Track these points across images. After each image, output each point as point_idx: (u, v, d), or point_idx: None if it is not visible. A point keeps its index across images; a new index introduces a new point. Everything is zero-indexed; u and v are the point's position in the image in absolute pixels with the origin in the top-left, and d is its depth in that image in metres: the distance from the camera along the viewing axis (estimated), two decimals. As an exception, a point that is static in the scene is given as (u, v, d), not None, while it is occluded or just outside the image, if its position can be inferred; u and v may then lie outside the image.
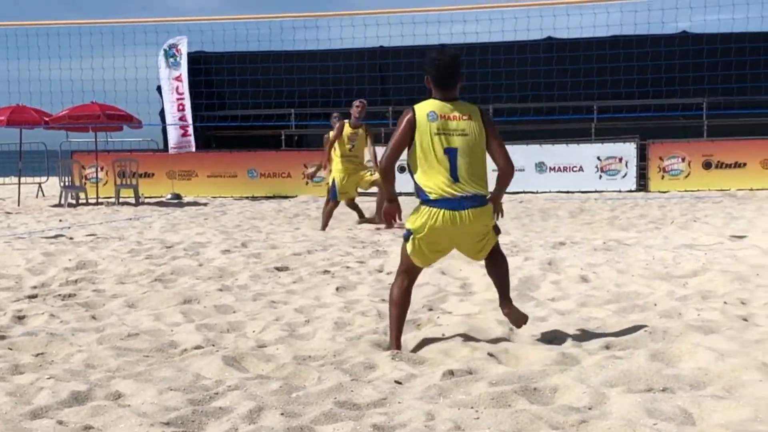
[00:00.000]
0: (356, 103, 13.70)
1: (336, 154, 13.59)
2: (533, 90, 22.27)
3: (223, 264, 9.52)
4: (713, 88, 22.07)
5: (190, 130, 22.44)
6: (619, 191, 19.78)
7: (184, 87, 22.57)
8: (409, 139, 5.55)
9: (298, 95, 23.85)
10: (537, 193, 19.86)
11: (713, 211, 15.18)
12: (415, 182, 5.56)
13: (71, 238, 12.38)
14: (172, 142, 22.69)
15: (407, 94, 21.71)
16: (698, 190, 20.09)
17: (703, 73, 21.95)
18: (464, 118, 5.54)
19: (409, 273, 5.77)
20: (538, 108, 22.51)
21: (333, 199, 13.65)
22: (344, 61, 23.21)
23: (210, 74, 24.61)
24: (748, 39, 22.21)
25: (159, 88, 23.84)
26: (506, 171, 5.63)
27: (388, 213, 5.77)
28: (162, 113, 23.60)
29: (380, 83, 24.31)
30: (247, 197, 21.25)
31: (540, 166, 20.40)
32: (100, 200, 20.81)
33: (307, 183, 21.22)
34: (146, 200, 20.92)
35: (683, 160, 20.22)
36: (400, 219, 5.85)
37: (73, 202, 19.99)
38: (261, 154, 22.23)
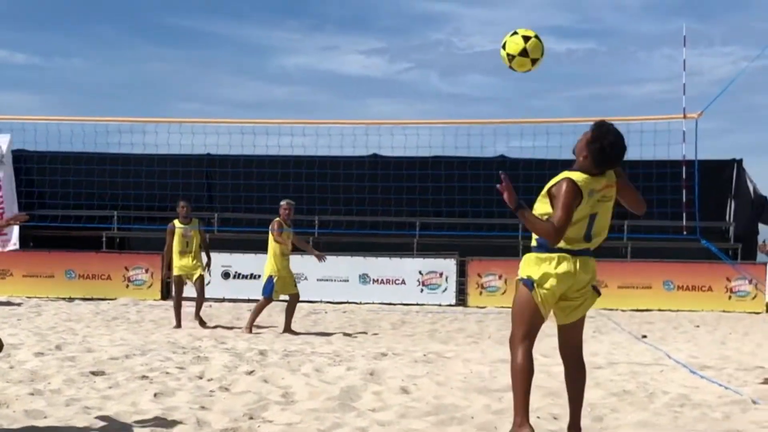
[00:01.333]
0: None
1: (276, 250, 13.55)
2: (358, 204, 22.65)
3: (35, 367, 9.17)
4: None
5: (15, 229, 21.65)
6: (440, 305, 20.22)
7: (4, 184, 21.86)
8: (578, 203, 5.57)
9: (122, 198, 23.44)
10: (360, 303, 20.05)
11: (527, 328, 15.68)
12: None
13: None
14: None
15: (234, 202, 21.74)
16: (514, 307, 20.69)
17: (520, 195, 22.81)
18: (610, 186, 5.71)
19: (531, 331, 5.72)
20: (363, 222, 22.90)
21: (267, 296, 13.56)
22: (171, 166, 22.99)
23: (31, 173, 23.92)
24: (561, 165, 23.32)
25: (-24, 185, 23.01)
26: (641, 210, 5.94)
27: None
28: (-22, 210, 22.74)
29: (207, 190, 24.24)
30: (63, 298, 20.57)
31: (364, 278, 20.67)
32: None
33: (127, 286, 20.77)
34: (-47, 299, 19.94)
35: (500, 277, 20.88)
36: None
37: None
38: (80, 255, 21.65)
